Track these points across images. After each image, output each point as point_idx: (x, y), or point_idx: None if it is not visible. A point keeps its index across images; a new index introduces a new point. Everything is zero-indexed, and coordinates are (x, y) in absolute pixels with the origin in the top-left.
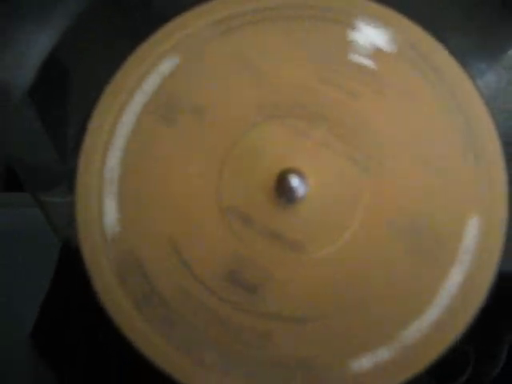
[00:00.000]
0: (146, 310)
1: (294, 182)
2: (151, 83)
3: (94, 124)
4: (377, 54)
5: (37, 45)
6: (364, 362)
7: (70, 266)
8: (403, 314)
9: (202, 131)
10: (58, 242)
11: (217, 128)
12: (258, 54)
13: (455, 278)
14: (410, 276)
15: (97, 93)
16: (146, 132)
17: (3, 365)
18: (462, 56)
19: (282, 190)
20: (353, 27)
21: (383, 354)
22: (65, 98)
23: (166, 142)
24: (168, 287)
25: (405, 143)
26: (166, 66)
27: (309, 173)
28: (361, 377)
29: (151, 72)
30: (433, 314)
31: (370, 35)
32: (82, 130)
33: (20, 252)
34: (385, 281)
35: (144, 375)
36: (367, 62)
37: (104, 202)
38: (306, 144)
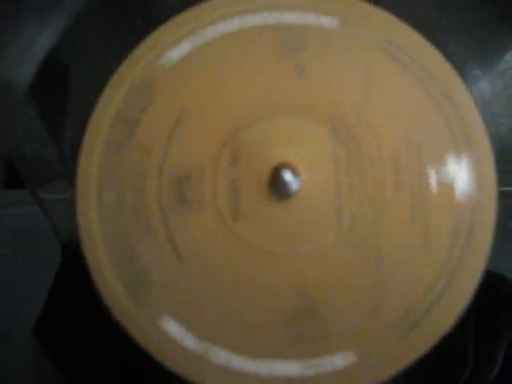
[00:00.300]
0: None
1: (288, 176)
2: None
3: (92, 124)
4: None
5: (37, 44)
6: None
7: (72, 265)
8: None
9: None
10: (58, 240)
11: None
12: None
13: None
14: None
15: (95, 92)
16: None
17: (5, 364)
18: (456, 63)
19: (275, 184)
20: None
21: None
22: (64, 97)
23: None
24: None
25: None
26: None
27: (301, 168)
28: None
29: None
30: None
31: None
32: (81, 129)
33: (21, 251)
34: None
35: (145, 373)
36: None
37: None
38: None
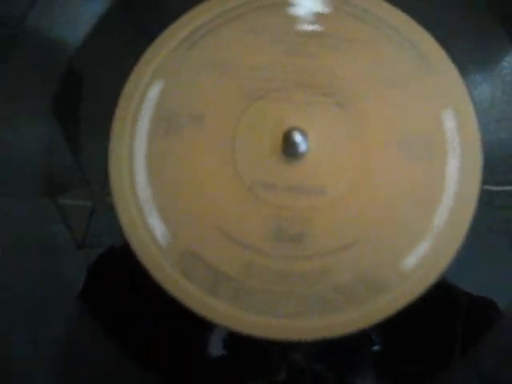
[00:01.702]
0: (218, 292)
1: (298, 137)
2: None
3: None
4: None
5: (88, 9)
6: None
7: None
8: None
9: (206, 130)
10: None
11: (215, 126)
12: (226, 53)
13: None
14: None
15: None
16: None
17: (53, 327)
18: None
19: (288, 146)
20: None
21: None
22: (79, 106)
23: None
24: (229, 266)
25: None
26: (155, 92)
27: (307, 128)
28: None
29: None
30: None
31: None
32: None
33: None
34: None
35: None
36: (314, 27)
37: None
38: (297, 107)
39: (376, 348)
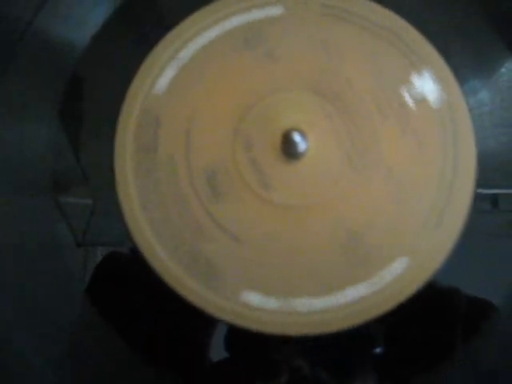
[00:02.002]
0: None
1: (297, 137)
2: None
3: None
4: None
5: (95, 12)
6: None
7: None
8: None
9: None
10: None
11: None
12: (336, 44)
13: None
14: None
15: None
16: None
17: (59, 319)
18: (456, 73)
19: (286, 144)
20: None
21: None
22: (82, 108)
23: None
24: (164, 152)
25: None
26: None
27: (309, 133)
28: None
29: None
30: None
31: (426, 85)
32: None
33: None
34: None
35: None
36: (410, 102)
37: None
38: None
39: (378, 350)
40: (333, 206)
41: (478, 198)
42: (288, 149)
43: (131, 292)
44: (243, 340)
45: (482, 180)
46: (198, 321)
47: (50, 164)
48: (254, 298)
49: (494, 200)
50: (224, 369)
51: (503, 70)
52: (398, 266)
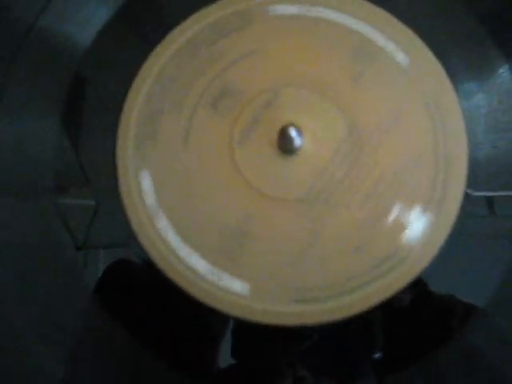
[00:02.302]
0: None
1: (293, 132)
2: None
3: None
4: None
5: (97, 13)
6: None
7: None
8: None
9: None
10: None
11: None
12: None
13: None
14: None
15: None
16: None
17: (68, 321)
18: (452, 76)
19: (283, 139)
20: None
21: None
22: (83, 109)
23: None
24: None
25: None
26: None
27: (304, 129)
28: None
29: None
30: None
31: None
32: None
33: None
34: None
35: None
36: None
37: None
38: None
39: (377, 356)
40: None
41: (472, 201)
42: (285, 144)
43: (139, 292)
44: (249, 343)
45: (476, 183)
46: (205, 315)
47: (51, 165)
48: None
49: (490, 203)
50: (229, 372)
51: (499, 73)
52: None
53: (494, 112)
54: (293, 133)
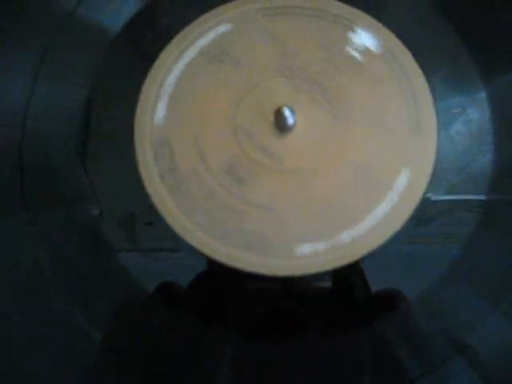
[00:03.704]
0: (168, 181)
1: (287, 112)
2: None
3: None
4: (365, 51)
5: (129, 3)
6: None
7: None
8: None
9: (234, 75)
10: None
11: (244, 74)
12: (284, 34)
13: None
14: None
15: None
16: (197, 68)
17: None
18: (443, 90)
19: (278, 117)
20: (351, 29)
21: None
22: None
23: (209, 77)
24: (185, 168)
25: (369, 111)
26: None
27: (298, 112)
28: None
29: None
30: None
31: (363, 38)
32: None
33: None
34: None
35: None
36: (357, 55)
37: (157, 107)
38: (302, 96)
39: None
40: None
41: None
42: (281, 123)
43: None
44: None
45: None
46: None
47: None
48: (305, 248)
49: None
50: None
51: (482, 90)
52: (402, 179)
53: (486, 125)
54: (287, 112)
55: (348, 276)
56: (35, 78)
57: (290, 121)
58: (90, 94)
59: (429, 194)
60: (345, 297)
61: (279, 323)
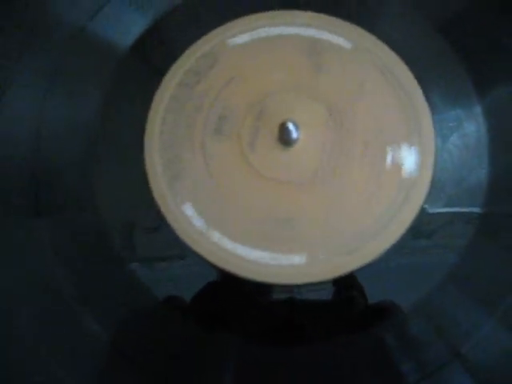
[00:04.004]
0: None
1: (291, 126)
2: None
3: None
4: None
5: (139, 20)
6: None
7: None
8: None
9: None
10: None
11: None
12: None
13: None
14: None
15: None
16: None
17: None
18: (440, 103)
19: (281, 132)
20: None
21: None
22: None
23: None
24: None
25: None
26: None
27: (302, 125)
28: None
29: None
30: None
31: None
32: None
33: None
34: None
35: None
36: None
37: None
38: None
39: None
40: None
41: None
42: (284, 137)
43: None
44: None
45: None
46: None
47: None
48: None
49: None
50: None
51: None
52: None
53: (483, 139)
54: (290, 126)
55: (347, 288)
56: (47, 92)
57: (294, 135)
58: (101, 108)
59: (426, 206)
60: (344, 308)
61: (282, 329)
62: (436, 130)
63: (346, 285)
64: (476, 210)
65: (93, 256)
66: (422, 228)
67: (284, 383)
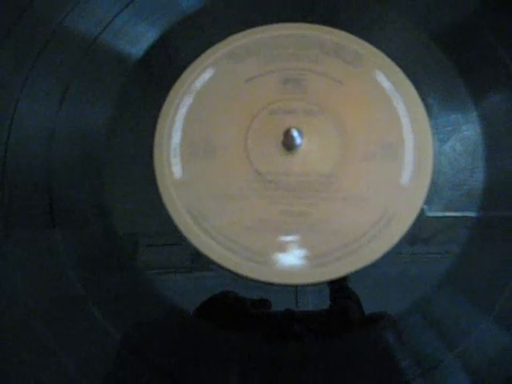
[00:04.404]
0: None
1: (295, 132)
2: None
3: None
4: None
5: (149, 32)
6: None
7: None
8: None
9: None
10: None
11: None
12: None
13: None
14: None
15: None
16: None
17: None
18: (437, 108)
19: (286, 138)
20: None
21: None
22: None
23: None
24: None
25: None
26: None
27: (305, 132)
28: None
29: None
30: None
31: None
32: None
33: None
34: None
35: None
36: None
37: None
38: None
39: None
40: None
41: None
42: (288, 142)
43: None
44: None
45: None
46: None
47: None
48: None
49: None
50: None
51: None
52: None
53: (481, 146)
54: (295, 132)
55: (343, 298)
56: (61, 101)
57: (298, 141)
58: (112, 117)
59: (424, 208)
60: (340, 316)
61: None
62: (433, 134)
63: (341, 295)
64: (473, 213)
65: (106, 265)
66: (419, 231)
67: (288, 382)
